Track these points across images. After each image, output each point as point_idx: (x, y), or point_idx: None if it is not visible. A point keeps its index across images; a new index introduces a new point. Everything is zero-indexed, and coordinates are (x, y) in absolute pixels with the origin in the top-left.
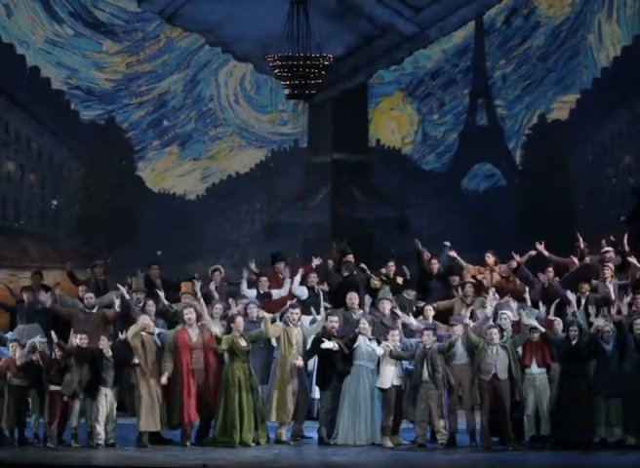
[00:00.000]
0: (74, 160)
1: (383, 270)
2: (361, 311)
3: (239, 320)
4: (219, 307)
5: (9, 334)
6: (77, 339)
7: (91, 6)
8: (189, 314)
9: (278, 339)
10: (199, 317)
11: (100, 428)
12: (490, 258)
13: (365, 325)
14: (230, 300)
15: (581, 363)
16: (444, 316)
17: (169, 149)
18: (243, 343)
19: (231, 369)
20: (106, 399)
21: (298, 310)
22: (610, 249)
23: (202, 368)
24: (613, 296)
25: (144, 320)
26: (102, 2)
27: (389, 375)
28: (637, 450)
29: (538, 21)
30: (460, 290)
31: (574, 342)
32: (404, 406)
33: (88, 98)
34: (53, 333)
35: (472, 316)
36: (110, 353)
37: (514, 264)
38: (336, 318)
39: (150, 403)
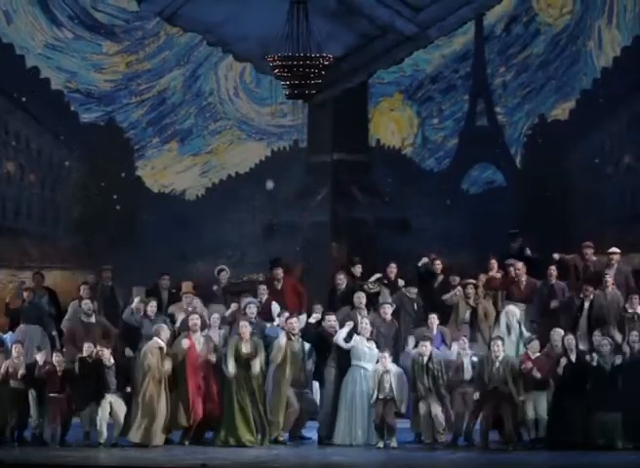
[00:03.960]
0: (74, 160)
1: (376, 275)
2: (365, 311)
3: (244, 324)
4: (216, 316)
5: (8, 335)
6: (84, 350)
7: (90, 8)
8: (195, 320)
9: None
10: (203, 325)
11: (102, 428)
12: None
13: (367, 325)
14: (233, 305)
15: (578, 384)
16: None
17: (168, 146)
18: (246, 350)
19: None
20: (111, 404)
21: (294, 319)
22: (616, 250)
23: (203, 375)
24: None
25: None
26: (102, 3)
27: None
28: (637, 450)
29: (538, 29)
30: (461, 291)
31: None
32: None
33: (87, 101)
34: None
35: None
36: (112, 361)
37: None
38: (333, 317)
39: (150, 413)
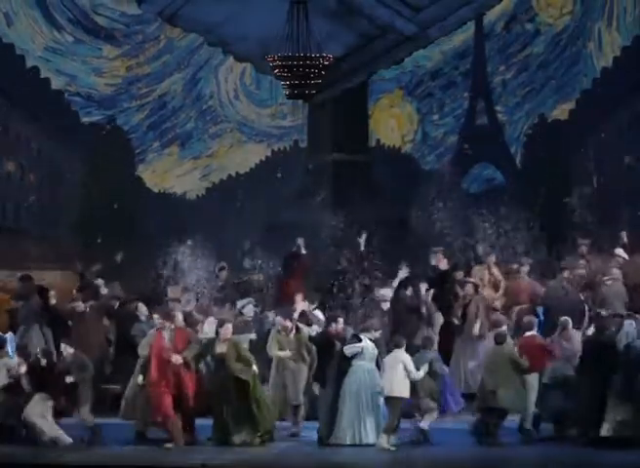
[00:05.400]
0: (74, 160)
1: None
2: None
3: (228, 327)
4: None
5: (9, 335)
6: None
7: (90, 11)
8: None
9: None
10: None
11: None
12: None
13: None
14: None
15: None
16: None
17: (169, 150)
18: (220, 349)
19: (215, 375)
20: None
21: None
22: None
23: (177, 370)
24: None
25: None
26: (102, 7)
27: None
28: (638, 451)
29: (538, 29)
30: (460, 289)
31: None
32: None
33: (87, 105)
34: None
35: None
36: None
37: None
38: (341, 319)
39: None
